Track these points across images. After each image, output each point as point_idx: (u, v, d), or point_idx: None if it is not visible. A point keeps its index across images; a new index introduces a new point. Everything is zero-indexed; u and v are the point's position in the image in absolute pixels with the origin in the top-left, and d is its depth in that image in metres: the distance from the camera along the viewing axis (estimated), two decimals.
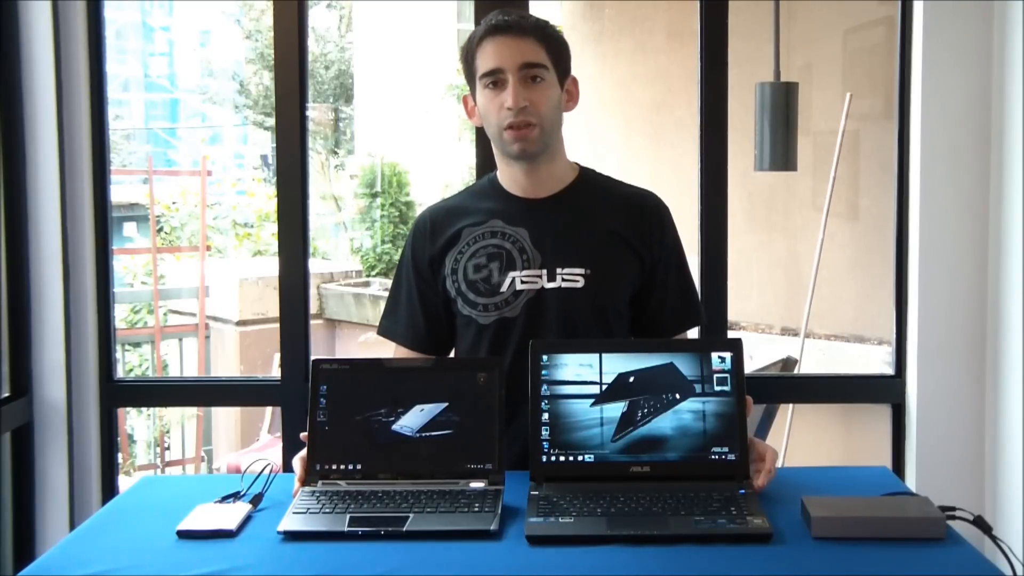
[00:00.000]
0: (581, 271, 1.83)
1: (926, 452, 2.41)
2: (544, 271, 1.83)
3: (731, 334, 3.25)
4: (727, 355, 1.62)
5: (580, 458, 1.58)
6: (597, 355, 1.63)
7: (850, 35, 4.57)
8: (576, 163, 1.94)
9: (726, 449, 1.59)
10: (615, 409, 1.60)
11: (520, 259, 1.83)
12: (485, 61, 1.79)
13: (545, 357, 1.62)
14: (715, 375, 1.61)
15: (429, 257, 1.90)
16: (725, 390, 1.60)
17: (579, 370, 1.62)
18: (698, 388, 1.61)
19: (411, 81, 9.99)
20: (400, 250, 2.10)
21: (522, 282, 1.82)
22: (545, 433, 1.59)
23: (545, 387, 1.61)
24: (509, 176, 1.89)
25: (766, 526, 1.41)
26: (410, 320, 1.93)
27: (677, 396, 1.61)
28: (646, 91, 5.26)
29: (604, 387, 1.61)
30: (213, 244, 8.28)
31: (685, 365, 1.62)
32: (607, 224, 1.87)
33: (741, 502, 1.48)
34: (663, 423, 1.60)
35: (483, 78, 1.80)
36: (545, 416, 1.60)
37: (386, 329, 1.96)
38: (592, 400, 1.61)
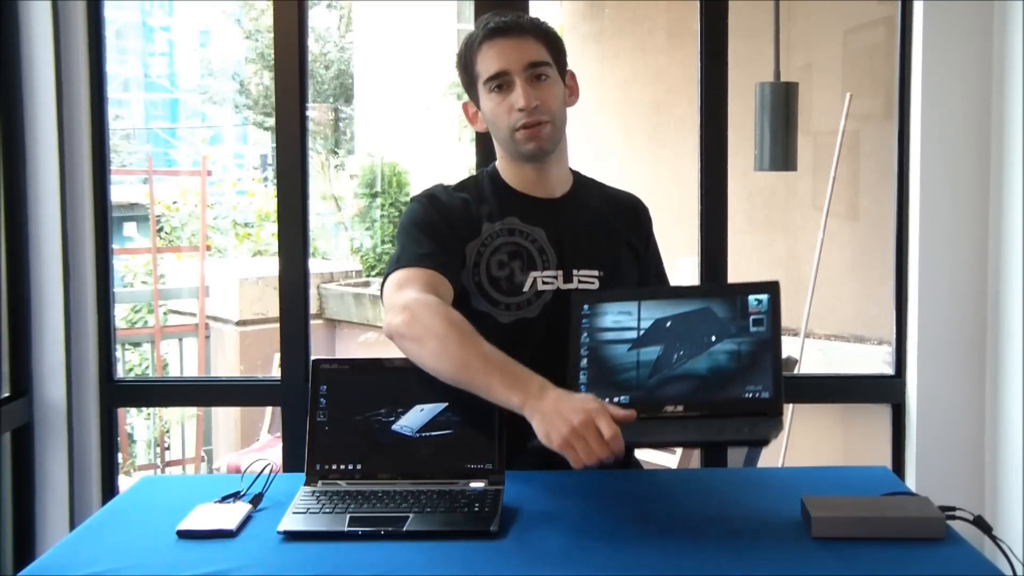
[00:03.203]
0: (596, 273, 1.83)
1: (926, 452, 2.41)
2: (560, 272, 1.81)
3: None
4: (763, 297, 1.61)
5: (616, 399, 1.58)
6: (636, 303, 1.65)
7: (850, 35, 4.57)
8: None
9: (760, 387, 1.56)
10: (651, 352, 1.61)
11: (540, 259, 1.81)
12: (488, 65, 1.77)
13: (586, 307, 1.68)
14: (751, 316, 1.60)
15: (466, 228, 1.79)
16: (760, 331, 1.59)
17: (618, 317, 1.65)
18: (733, 329, 1.60)
19: (411, 81, 10.00)
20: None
21: (543, 283, 1.81)
22: (583, 378, 1.62)
23: (585, 335, 1.65)
24: (517, 176, 1.85)
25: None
26: (441, 250, 1.74)
27: (713, 338, 1.60)
28: (646, 91, 5.26)
29: (641, 332, 1.62)
30: (213, 244, 8.28)
31: (721, 309, 1.62)
32: (613, 226, 1.89)
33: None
34: (698, 364, 1.59)
35: (488, 82, 1.78)
36: (584, 362, 1.62)
37: (419, 258, 1.72)
38: (629, 345, 1.62)
